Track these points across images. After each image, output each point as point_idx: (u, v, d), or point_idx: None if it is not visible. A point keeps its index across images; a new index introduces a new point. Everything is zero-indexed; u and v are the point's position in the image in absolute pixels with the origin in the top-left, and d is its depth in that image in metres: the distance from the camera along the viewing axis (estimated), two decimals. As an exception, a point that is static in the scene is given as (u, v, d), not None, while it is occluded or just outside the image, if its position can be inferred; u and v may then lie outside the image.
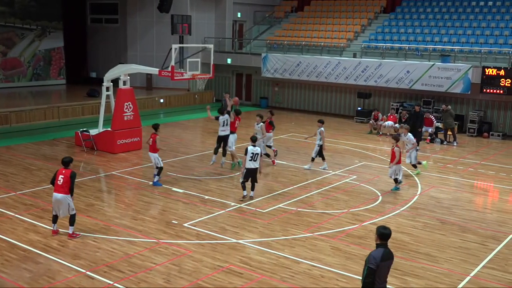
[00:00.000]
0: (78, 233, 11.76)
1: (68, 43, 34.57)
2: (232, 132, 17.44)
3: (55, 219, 11.77)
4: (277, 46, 31.71)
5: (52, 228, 11.82)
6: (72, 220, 11.60)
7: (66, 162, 11.69)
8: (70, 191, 11.51)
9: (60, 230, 11.85)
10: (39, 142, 20.87)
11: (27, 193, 14.61)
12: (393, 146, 15.70)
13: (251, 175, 14.24)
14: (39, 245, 11.17)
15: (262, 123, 17.89)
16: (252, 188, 14.51)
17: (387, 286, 7.47)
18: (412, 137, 17.56)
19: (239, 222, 12.82)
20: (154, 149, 15.57)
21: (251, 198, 14.48)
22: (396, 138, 15.98)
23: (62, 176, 11.51)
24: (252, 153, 14.03)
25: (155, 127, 16.04)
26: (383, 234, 7.39)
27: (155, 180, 15.67)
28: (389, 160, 16.14)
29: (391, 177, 15.90)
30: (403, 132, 17.59)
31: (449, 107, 22.98)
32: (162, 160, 15.85)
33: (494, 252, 11.53)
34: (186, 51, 21.50)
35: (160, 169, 15.59)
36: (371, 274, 7.18)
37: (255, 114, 18.82)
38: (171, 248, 11.20)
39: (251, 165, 14.07)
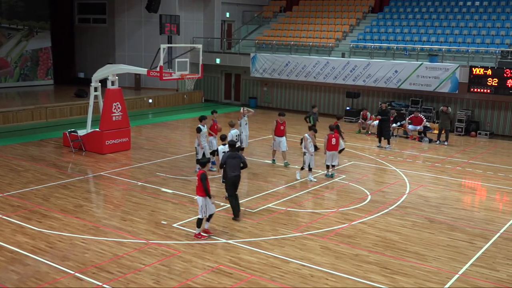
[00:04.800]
0: (204, 235, 11.84)
1: (55, 43, 34.36)
2: (281, 136, 18.07)
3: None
4: (266, 46, 31.73)
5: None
6: (197, 222, 11.75)
7: (203, 163, 11.75)
8: (206, 192, 11.47)
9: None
10: (26, 143, 20.71)
11: (15, 195, 14.50)
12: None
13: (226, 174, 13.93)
14: (27, 247, 11.08)
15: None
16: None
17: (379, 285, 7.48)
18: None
19: (229, 222, 12.80)
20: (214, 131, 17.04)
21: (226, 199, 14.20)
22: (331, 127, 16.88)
23: (197, 178, 11.55)
24: (224, 152, 13.87)
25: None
26: (230, 145, 12.66)
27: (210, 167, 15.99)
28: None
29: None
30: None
31: (449, 109, 23.05)
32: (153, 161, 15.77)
33: (482, 250, 11.61)
34: (175, 51, 21.46)
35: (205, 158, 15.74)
36: (222, 165, 12.62)
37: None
38: (161, 249, 11.16)
39: None
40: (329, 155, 16.82)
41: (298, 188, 15.78)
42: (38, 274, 9.92)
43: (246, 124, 18.82)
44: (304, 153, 16.43)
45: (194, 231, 11.93)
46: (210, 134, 17.47)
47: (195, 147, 16.92)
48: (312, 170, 16.60)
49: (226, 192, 13.42)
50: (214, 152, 17.32)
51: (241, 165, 12.97)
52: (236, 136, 16.66)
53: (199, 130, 16.56)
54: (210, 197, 11.56)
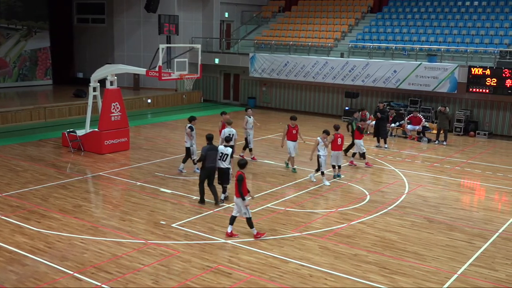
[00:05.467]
0: (262, 232, 11.95)
1: (54, 43, 34.35)
2: (293, 140, 17.37)
3: (232, 219, 11.97)
4: (265, 46, 31.73)
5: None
6: (248, 222, 11.82)
7: (242, 165, 11.78)
8: (240, 194, 11.56)
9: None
10: (25, 143, 20.69)
11: (13, 195, 14.48)
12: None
13: (220, 175, 13.81)
14: (26, 247, 11.07)
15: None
16: (224, 191, 14.15)
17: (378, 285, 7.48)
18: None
19: (227, 222, 12.78)
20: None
21: (223, 200, 14.13)
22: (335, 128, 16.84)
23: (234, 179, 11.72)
24: (222, 153, 13.67)
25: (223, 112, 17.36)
26: (208, 137, 13.69)
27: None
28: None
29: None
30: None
31: (447, 109, 23.06)
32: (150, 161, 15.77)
33: (480, 250, 11.61)
34: (174, 51, 21.43)
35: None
36: (201, 158, 13.45)
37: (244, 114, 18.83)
38: (159, 249, 11.16)
39: (220, 164, 13.73)
40: (334, 155, 16.78)
41: (297, 188, 15.78)
42: (36, 274, 9.91)
43: (252, 126, 18.72)
44: (319, 156, 16.20)
45: (194, 232, 11.91)
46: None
47: (186, 148, 16.80)
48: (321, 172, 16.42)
49: (199, 178, 13.87)
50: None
51: (225, 157, 13.64)
52: (230, 134, 16.54)
53: (192, 129, 16.55)
54: (243, 199, 11.57)
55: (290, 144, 17.33)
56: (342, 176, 17.02)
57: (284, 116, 28.90)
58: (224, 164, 13.73)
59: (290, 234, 12.18)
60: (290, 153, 17.42)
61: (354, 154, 19.11)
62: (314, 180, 16.46)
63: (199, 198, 14.14)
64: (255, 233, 11.82)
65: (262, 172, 17.48)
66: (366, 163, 18.56)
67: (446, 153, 21.23)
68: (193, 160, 16.86)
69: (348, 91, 28.15)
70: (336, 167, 16.96)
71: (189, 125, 16.62)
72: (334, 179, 16.73)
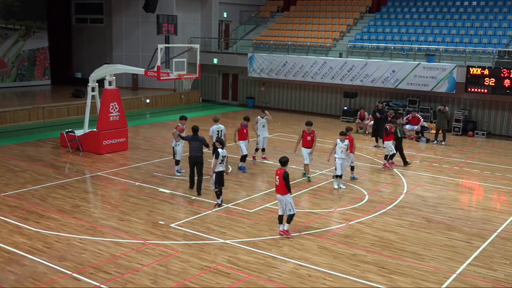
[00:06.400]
0: (292, 234, 11.99)
1: (52, 43, 34.31)
2: (308, 147, 16.43)
3: (280, 219, 12.10)
4: (263, 46, 31.73)
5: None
6: (288, 218, 11.89)
7: (284, 162, 11.83)
8: (288, 190, 11.76)
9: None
10: (23, 143, 20.67)
11: (12, 195, 14.47)
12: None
13: (220, 178, 13.65)
14: (24, 247, 11.06)
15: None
16: (220, 193, 13.89)
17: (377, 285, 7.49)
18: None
19: (226, 222, 12.80)
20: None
21: (220, 205, 13.88)
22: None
23: (278, 177, 11.75)
24: (223, 156, 13.45)
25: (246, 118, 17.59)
26: (194, 129, 14.71)
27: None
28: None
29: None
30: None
31: (447, 108, 23.06)
32: (149, 161, 15.77)
33: (479, 250, 11.62)
34: (172, 51, 21.39)
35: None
36: (185, 138, 14.98)
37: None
38: (158, 249, 11.15)
39: (219, 168, 13.55)
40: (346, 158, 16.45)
41: (296, 188, 15.77)
42: (35, 275, 9.90)
43: (263, 126, 18.53)
44: (335, 159, 15.78)
45: (192, 232, 11.91)
46: (240, 138, 17.39)
47: (172, 148, 16.74)
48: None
49: (216, 184, 13.72)
50: (244, 158, 17.43)
51: (203, 146, 14.71)
52: (218, 131, 16.58)
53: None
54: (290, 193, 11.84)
55: (303, 151, 16.44)
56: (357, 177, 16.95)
57: (283, 116, 28.93)
58: (222, 167, 13.59)
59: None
60: (303, 161, 16.63)
61: (387, 156, 18.50)
62: (343, 187, 15.93)
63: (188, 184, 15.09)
64: (285, 229, 11.95)
65: (261, 172, 17.48)
66: (384, 165, 18.41)
67: (444, 153, 21.24)
68: (176, 160, 16.72)
69: (347, 91, 28.15)
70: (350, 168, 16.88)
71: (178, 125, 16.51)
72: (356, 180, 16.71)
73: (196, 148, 14.72)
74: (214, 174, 13.50)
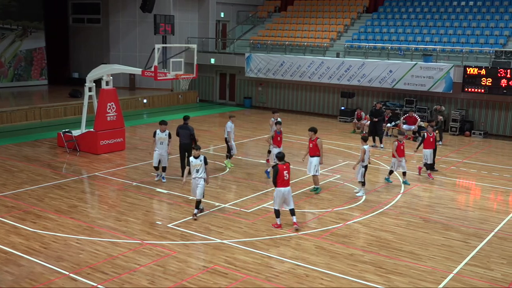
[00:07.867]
0: (290, 234, 12.18)
1: (49, 43, 34.27)
2: (313, 155, 15.19)
3: (277, 213, 12.49)
4: (261, 46, 31.72)
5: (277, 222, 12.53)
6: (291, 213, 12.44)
7: (281, 157, 12.26)
8: (274, 184, 12.29)
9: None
10: (20, 143, 20.64)
11: (9, 195, 14.44)
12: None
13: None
14: (21, 247, 11.04)
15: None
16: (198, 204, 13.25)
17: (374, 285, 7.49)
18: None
19: (224, 222, 12.79)
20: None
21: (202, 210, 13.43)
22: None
23: (287, 172, 12.17)
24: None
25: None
26: (184, 118, 15.86)
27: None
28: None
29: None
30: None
31: (443, 108, 23.07)
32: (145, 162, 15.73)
33: (476, 249, 11.64)
34: (169, 51, 21.45)
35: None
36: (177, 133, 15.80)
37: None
38: (155, 249, 11.14)
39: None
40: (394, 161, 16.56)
41: (293, 188, 15.72)
42: (32, 275, 9.88)
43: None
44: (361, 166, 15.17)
45: (190, 232, 11.91)
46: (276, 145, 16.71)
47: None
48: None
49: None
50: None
51: (191, 136, 15.66)
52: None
53: (154, 135, 15.94)
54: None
55: (309, 160, 15.32)
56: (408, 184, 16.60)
57: (281, 116, 28.84)
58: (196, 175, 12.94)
59: (286, 234, 12.17)
60: (309, 171, 15.41)
61: (427, 165, 17.61)
62: (363, 194, 15.28)
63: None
64: (294, 221, 12.37)
65: (258, 172, 17.47)
66: (429, 174, 17.57)
67: (441, 152, 21.26)
68: (155, 167, 16.22)
69: (344, 91, 28.18)
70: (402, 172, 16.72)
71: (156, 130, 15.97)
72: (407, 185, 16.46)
73: (186, 136, 15.88)
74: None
